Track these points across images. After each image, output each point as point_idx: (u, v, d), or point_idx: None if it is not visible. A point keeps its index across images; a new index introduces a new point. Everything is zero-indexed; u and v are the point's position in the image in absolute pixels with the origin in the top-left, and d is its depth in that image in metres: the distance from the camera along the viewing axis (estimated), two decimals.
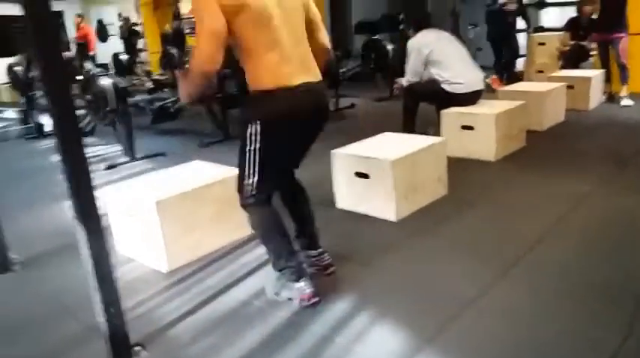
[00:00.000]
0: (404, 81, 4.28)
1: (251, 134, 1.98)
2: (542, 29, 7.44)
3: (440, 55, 4.05)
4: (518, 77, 6.98)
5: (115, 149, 4.75)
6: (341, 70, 6.71)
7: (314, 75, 2.06)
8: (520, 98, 4.60)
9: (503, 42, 6.60)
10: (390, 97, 6.81)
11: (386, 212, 2.86)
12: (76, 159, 1.73)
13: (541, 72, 6.65)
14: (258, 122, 1.97)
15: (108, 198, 2.64)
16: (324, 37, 2.23)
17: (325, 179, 3.21)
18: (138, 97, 5.48)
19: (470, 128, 3.88)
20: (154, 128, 5.59)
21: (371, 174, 2.88)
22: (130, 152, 4.47)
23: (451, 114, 3.98)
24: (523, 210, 2.94)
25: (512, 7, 6.43)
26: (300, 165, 2.29)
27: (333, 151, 3.07)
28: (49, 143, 5.64)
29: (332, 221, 2.95)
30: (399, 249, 2.55)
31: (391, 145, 3.12)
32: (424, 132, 3.88)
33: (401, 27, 9.36)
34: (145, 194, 2.50)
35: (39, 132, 5.88)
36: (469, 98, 4.05)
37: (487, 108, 3.94)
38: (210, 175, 2.74)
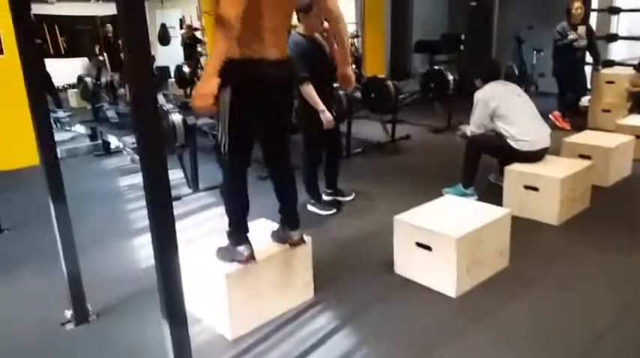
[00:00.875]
0: (467, 130, 4.24)
1: (224, 98, 2.33)
2: (611, 63, 7.18)
3: (507, 109, 4.00)
4: (581, 113, 6.80)
5: (177, 176, 4.91)
6: (400, 96, 6.68)
7: (280, 53, 2.42)
8: (585, 151, 4.52)
9: (570, 79, 6.40)
10: (448, 129, 6.77)
11: (446, 286, 2.88)
12: (162, 201, 1.86)
13: (607, 111, 6.44)
14: (228, 86, 2.31)
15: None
16: (332, 3, 2.59)
17: (384, 234, 3.27)
18: (200, 121, 5.62)
19: (533, 188, 3.83)
20: (214, 152, 5.73)
21: (434, 247, 2.90)
22: (194, 184, 4.62)
23: (514, 173, 3.93)
24: (586, 292, 2.89)
25: (583, 43, 6.23)
26: (280, 155, 2.67)
27: (395, 217, 3.10)
28: (116, 162, 5.90)
29: (389, 289, 2.99)
30: (455, 337, 2.54)
31: (455, 215, 3.12)
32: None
33: (461, 47, 9.30)
34: (216, 263, 2.60)
35: (106, 150, 6.13)
36: (534, 155, 3.98)
37: (552, 169, 3.87)
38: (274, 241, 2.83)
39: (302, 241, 2.74)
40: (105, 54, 9.21)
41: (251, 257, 2.54)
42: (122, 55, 9.81)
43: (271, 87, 2.42)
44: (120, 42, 9.61)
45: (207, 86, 2.14)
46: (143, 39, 1.70)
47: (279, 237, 2.77)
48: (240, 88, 2.34)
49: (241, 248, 2.53)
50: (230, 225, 2.60)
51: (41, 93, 2.65)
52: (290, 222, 2.72)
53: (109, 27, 9.51)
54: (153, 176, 1.84)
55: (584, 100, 6.87)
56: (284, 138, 2.68)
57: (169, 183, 1.89)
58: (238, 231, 2.58)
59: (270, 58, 2.36)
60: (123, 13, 1.63)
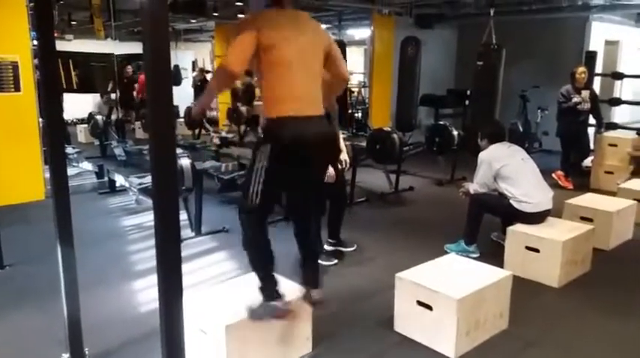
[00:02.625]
0: (471, 188, 4.29)
1: (260, 153, 2.39)
2: (614, 126, 7.30)
3: (511, 171, 4.06)
4: (584, 173, 6.87)
5: (181, 218, 4.94)
6: (404, 148, 6.77)
7: (317, 110, 2.47)
8: (586, 214, 4.56)
9: (573, 141, 6.50)
10: (451, 182, 6.84)
11: (445, 347, 2.86)
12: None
13: (610, 173, 6.51)
14: (267, 145, 2.37)
15: None
16: (343, 69, 2.70)
17: (384, 290, 3.30)
18: (207, 164, 5.70)
19: (535, 250, 3.84)
20: (219, 196, 5.80)
21: (435, 307, 2.89)
22: (197, 227, 4.66)
23: (517, 234, 3.95)
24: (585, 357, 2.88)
25: (586, 106, 6.36)
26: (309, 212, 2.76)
27: (397, 275, 3.10)
28: (120, 201, 5.95)
29: (387, 347, 2.99)
30: None
31: (457, 275, 3.13)
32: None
33: (466, 102, 9.48)
34: (216, 314, 2.61)
35: (111, 188, 6.18)
36: (536, 217, 4.02)
37: (553, 231, 3.90)
38: None
39: (322, 302, 2.67)
40: (117, 91, 9.39)
41: (289, 311, 2.51)
42: (134, 93, 10.09)
43: (309, 143, 2.42)
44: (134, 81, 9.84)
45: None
46: (167, 86, 1.78)
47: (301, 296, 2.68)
48: (279, 146, 2.36)
49: (277, 303, 2.50)
50: (259, 280, 2.56)
51: (59, 133, 2.70)
52: (312, 280, 2.68)
53: (129, 68, 9.74)
54: (164, 220, 1.87)
55: (587, 161, 6.95)
56: (318, 192, 2.79)
57: (179, 228, 1.93)
58: (269, 286, 2.53)
59: (306, 115, 2.40)
60: (149, 61, 1.71)
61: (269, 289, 2.53)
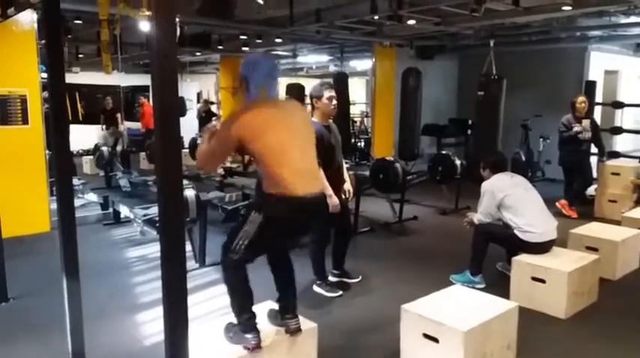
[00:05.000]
0: (475, 219, 4.29)
1: (254, 218, 2.47)
2: (617, 154, 7.33)
3: (514, 201, 4.07)
4: (588, 201, 6.86)
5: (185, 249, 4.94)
6: (407, 177, 6.79)
7: (316, 186, 2.59)
8: (591, 243, 4.55)
9: (575, 169, 6.53)
10: (455, 211, 6.84)
11: None
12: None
13: (613, 201, 6.51)
14: (262, 215, 2.45)
15: None
16: None
17: (390, 322, 3.26)
18: (211, 195, 5.73)
19: (540, 281, 3.82)
20: (223, 226, 5.80)
21: (441, 340, 2.87)
22: (201, 259, 4.65)
23: (522, 264, 3.94)
24: None
25: (587, 135, 6.40)
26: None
27: (403, 307, 3.08)
28: (125, 232, 5.95)
29: None
30: None
31: (463, 307, 3.10)
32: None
33: (468, 132, 9.55)
34: (219, 347, 2.60)
35: (116, 219, 6.20)
36: (541, 247, 4.01)
37: (559, 262, 3.88)
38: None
39: (299, 330, 2.76)
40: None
41: (257, 346, 2.57)
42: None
43: (301, 220, 2.57)
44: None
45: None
46: (174, 119, 1.80)
47: (276, 321, 2.81)
48: (272, 220, 2.46)
49: (249, 336, 2.57)
50: (236, 315, 2.63)
51: (66, 165, 2.73)
52: (288, 309, 2.79)
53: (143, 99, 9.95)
54: (170, 252, 1.87)
55: (591, 189, 6.95)
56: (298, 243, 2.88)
57: (185, 260, 1.93)
58: (246, 320, 2.60)
59: (303, 194, 2.46)
60: (158, 94, 1.74)
61: (245, 323, 2.60)
